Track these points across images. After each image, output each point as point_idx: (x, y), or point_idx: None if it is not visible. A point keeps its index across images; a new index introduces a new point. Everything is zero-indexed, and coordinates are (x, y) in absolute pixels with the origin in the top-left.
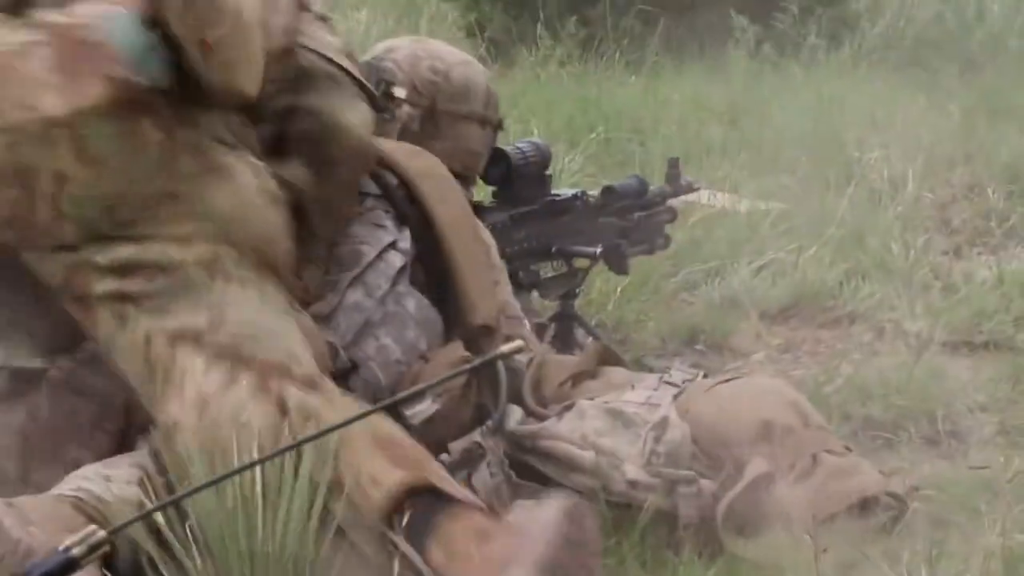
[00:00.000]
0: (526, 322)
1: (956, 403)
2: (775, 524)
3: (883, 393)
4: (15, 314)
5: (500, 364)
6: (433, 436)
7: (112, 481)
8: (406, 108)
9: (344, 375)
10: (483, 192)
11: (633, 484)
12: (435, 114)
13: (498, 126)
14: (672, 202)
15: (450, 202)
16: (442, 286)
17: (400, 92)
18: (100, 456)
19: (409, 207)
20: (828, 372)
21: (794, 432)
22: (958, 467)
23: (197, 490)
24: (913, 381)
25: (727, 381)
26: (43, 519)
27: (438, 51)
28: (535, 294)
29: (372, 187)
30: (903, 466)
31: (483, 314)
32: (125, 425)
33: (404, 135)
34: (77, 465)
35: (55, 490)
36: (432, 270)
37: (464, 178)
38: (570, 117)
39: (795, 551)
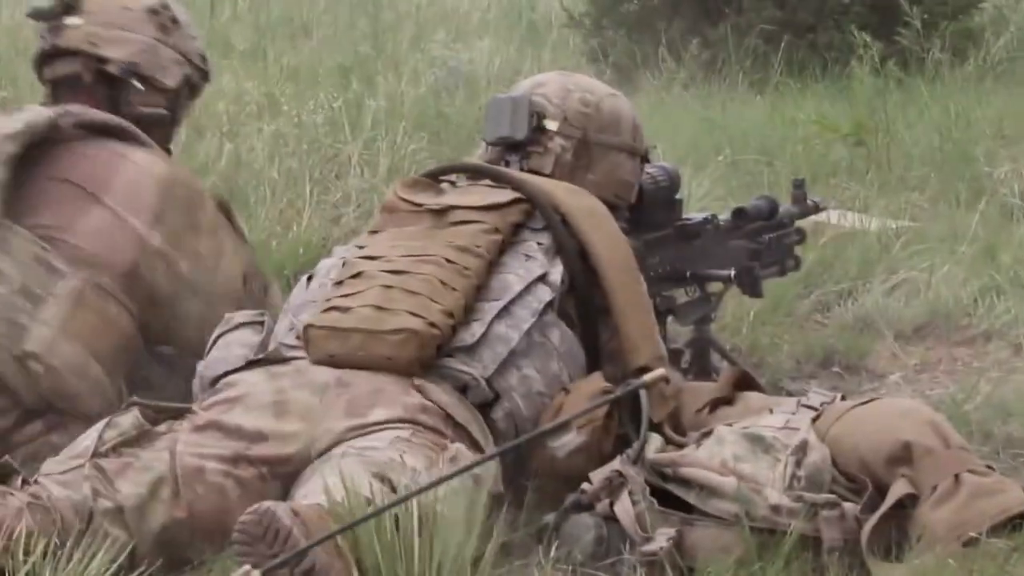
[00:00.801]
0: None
1: None
2: (920, 546)
3: (1023, 411)
4: None
5: (642, 393)
6: (577, 467)
7: None
8: (559, 140)
9: (486, 405)
10: None
11: (776, 509)
12: (587, 145)
13: (645, 157)
14: (801, 223)
15: (611, 242)
16: (595, 322)
17: (552, 124)
18: None
19: (568, 241)
20: (966, 391)
21: (935, 453)
22: None
23: (357, 523)
24: None
25: (865, 403)
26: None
27: (586, 84)
28: (670, 320)
29: (535, 221)
30: None
31: (644, 355)
32: None
33: (558, 166)
34: None
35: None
36: (585, 305)
37: (616, 208)
38: (695, 140)
39: (942, 573)
